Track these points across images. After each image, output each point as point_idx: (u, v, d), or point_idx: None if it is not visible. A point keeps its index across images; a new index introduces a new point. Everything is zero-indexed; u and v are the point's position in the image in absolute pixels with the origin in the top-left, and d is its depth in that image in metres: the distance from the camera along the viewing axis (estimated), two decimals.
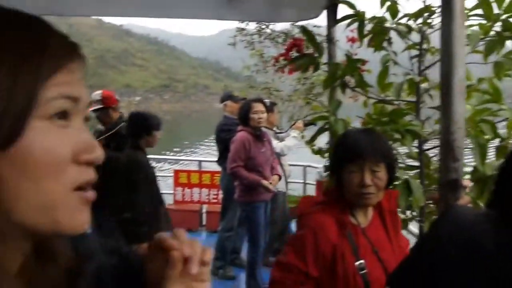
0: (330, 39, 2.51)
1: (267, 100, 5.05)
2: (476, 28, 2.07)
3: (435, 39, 2.45)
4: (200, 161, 7.72)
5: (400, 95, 2.14)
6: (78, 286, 0.62)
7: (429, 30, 2.27)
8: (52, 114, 0.52)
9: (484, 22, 2.05)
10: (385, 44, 2.37)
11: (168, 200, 6.50)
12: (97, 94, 4.08)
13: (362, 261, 1.58)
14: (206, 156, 16.83)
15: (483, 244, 0.97)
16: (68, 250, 0.64)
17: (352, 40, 2.54)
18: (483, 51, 2.14)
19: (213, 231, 6.12)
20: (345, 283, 1.56)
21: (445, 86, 1.47)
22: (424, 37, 2.21)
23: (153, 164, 4.08)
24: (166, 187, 6.75)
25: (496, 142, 2.16)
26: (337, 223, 1.60)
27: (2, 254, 0.54)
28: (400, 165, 2.18)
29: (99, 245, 0.70)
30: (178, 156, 19.83)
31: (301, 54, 2.42)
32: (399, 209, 2.03)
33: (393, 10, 2.19)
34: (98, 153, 0.56)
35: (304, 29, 2.35)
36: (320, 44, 2.33)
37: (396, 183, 1.82)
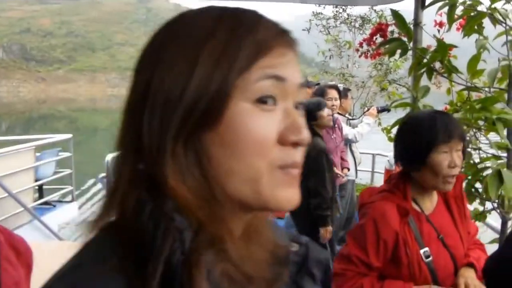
0: (417, 23, 2.46)
1: (341, 86, 4.98)
2: None
3: None
4: None
5: (494, 82, 2.06)
6: (282, 273, 0.65)
7: None
8: (257, 97, 0.55)
9: None
10: (477, 28, 2.28)
11: None
12: None
13: (426, 248, 1.55)
14: None
15: None
16: (273, 235, 0.68)
17: (440, 24, 2.45)
18: None
19: (280, 217, 6.16)
20: (410, 272, 1.53)
21: None
22: None
23: None
24: None
25: None
26: (399, 210, 1.56)
27: (228, 222, 0.58)
28: (489, 154, 2.11)
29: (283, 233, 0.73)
30: None
31: (386, 38, 2.38)
32: (484, 199, 1.97)
33: None
34: (304, 135, 0.57)
35: (395, 13, 2.31)
36: (410, 28, 2.28)
37: (487, 173, 1.77)
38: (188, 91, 0.54)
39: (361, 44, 3.56)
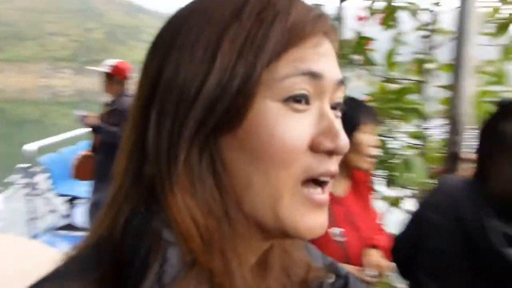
0: (339, 17, 2.52)
1: None
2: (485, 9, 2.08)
3: (444, 20, 2.46)
4: None
5: (407, 74, 2.16)
6: None
7: (438, 10, 2.28)
8: (287, 96, 0.45)
9: (496, 4, 2.06)
10: (393, 22, 2.38)
11: None
12: (113, 61, 4.03)
13: (340, 229, 1.61)
14: None
15: (462, 207, 1.10)
16: (304, 262, 0.59)
17: (362, 19, 2.54)
18: (492, 33, 2.16)
19: None
20: (322, 251, 1.58)
21: (457, 63, 1.49)
22: (434, 18, 2.22)
23: None
24: None
25: None
26: None
27: (240, 248, 0.47)
28: (402, 143, 2.21)
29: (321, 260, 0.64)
30: None
31: None
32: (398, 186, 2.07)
33: None
34: (342, 142, 0.47)
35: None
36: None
37: (397, 160, 1.86)
38: (207, 86, 0.45)
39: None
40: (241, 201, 0.47)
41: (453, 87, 1.52)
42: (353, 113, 1.64)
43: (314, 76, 0.46)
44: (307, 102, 0.46)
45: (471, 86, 1.50)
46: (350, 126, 1.63)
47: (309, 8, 0.48)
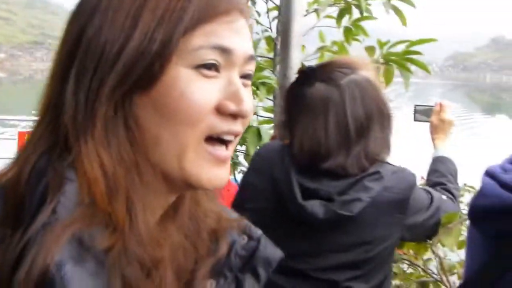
0: None
1: None
2: None
3: None
4: None
5: (256, 50, 2.29)
6: (218, 249, 0.61)
7: None
8: (198, 63, 0.52)
9: None
10: (249, 3, 2.49)
11: None
12: None
13: None
14: None
15: (276, 168, 1.26)
16: (215, 213, 0.64)
17: None
18: (335, 17, 2.37)
19: None
20: None
21: (284, 35, 1.63)
22: None
23: None
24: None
25: None
26: None
27: (148, 197, 0.52)
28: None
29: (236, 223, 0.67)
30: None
31: None
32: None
33: None
34: (245, 106, 0.53)
35: None
36: None
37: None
38: (127, 49, 0.50)
39: None
40: (150, 153, 0.52)
41: (281, 59, 1.66)
42: None
43: (224, 50, 0.53)
44: (217, 70, 0.53)
45: (296, 58, 1.65)
46: None
47: None
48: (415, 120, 1.83)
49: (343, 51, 2.29)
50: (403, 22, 2.16)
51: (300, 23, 1.64)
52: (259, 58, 2.39)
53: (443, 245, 1.42)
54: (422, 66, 2.05)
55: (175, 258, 0.58)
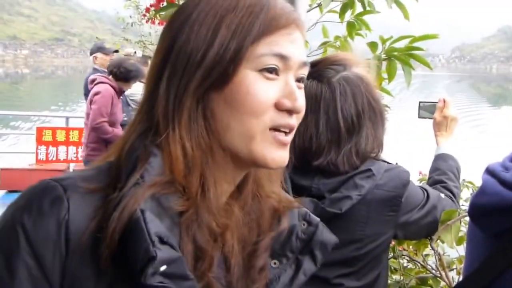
0: None
1: (139, 54, 4.93)
2: None
3: None
4: (67, 118, 7.39)
5: None
6: (279, 225, 0.74)
7: None
8: (262, 67, 0.64)
9: None
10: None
11: (30, 160, 6.40)
12: None
13: None
14: (74, 112, 15.56)
15: None
16: (276, 194, 0.76)
17: None
18: (338, 11, 2.36)
19: None
20: None
21: None
22: None
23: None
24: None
25: None
26: None
27: (218, 174, 0.67)
28: None
29: (297, 211, 0.77)
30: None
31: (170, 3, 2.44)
32: None
33: None
34: (298, 103, 0.66)
35: None
36: None
37: None
38: (208, 55, 0.64)
39: (147, 10, 3.50)
40: (222, 138, 0.65)
41: None
42: None
43: (282, 57, 0.65)
44: (277, 73, 0.66)
45: None
46: None
47: (286, 6, 0.68)
48: (419, 117, 1.82)
49: (345, 46, 2.27)
50: (406, 16, 2.15)
51: (304, 18, 1.63)
52: None
53: (442, 242, 1.43)
54: (424, 62, 2.04)
55: (239, 230, 0.70)
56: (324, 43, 2.48)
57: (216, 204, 0.65)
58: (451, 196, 1.41)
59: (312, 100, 1.23)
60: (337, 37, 2.47)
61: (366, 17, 2.34)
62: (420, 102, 1.83)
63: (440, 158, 1.58)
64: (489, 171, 0.89)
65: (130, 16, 8.45)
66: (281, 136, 0.67)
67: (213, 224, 0.64)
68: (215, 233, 0.65)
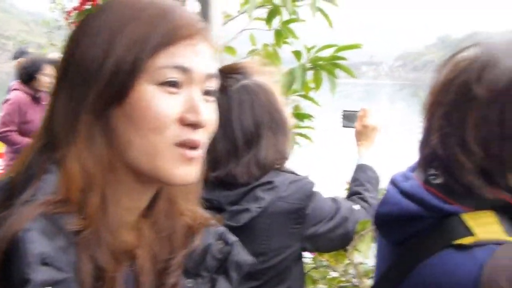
0: None
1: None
2: None
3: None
4: None
5: None
6: (192, 242, 0.71)
7: None
8: (162, 81, 0.61)
9: None
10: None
11: None
12: None
13: None
14: None
15: None
16: (191, 211, 0.74)
17: None
18: (265, 18, 2.35)
19: None
20: None
21: None
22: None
23: None
24: None
25: None
26: None
27: (121, 192, 0.64)
28: None
29: (213, 229, 0.76)
30: None
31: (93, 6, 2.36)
32: None
33: None
34: (202, 117, 0.63)
35: None
36: None
37: None
38: (105, 68, 0.61)
39: (70, 13, 3.41)
40: (124, 155, 0.62)
41: None
42: None
43: (184, 69, 0.62)
44: (178, 87, 0.62)
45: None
46: None
47: (190, 16, 0.65)
48: (343, 126, 1.80)
49: (270, 54, 2.27)
50: (329, 24, 2.16)
51: (218, 31, 1.59)
52: None
53: (359, 252, 1.43)
54: (348, 71, 2.06)
55: (150, 249, 0.68)
56: (252, 51, 2.46)
57: (119, 222, 0.63)
58: (368, 206, 1.41)
59: None
60: (265, 45, 2.47)
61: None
62: (343, 110, 1.82)
63: (359, 169, 1.57)
64: (392, 181, 0.90)
65: (57, 20, 8.17)
66: (187, 151, 0.63)
67: (115, 243, 0.61)
68: (117, 252, 0.62)
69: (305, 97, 2.32)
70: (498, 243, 0.71)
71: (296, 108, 2.39)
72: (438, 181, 0.79)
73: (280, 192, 1.17)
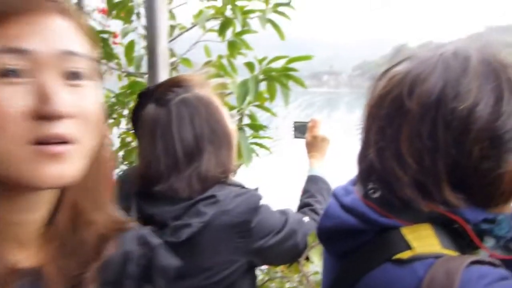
0: (79, 8, 2.46)
1: None
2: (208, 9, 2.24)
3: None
4: None
5: (140, 67, 2.21)
6: (104, 252, 0.63)
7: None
8: None
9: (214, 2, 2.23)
10: (134, 17, 2.41)
11: None
12: None
13: None
14: None
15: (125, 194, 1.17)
16: (102, 219, 0.65)
17: (103, 11, 2.52)
18: (217, 30, 2.35)
19: None
20: None
21: (150, 56, 1.56)
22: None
23: None
24: None
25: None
26: None
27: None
28: None
29: (133, 234, 0.69)
30: None
31: None
32: None
33: None
34: (55, 106, 0.52)
35: None
36: None
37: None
38: None
39: None
40: None
41: (149, 78, 1.61)
42: None
43: (22, 52, 0.50)
44: (20, 75, 0.51)
45: (165, 75, 1.60)
46: None
47: None
48: (294, 137, 1.79)
49: (222, 67, 2.27)
50: (281, 36, 2.17)
51: (165, 44, 1.57)
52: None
53: (311, 262, 1.43)
54: (299, 82, 2.07)
55: (57, 265, 0.60)
56: (207, 63, 2.45)
57: (5, 237, 0.56)
58: (319, 218, 1.40)
59: (149, 124, 1.18)
60: (220, 56, 2.46)
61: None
62: (294, 122, 1.81)
63: (310, 180, 1.57)
64: (334, 195, 0.90)
65: None
66: (48, 148, 0.53)
67: (4, 257, 0.54)
68: (4, 273, 0.54)
69: (261, 107, 2.32)
70: (437, 256, 0.72)
71: (252, 119, 2.39)
72: (377, 195, 0.80)
73: (223, 206, 1.15)
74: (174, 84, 1.23)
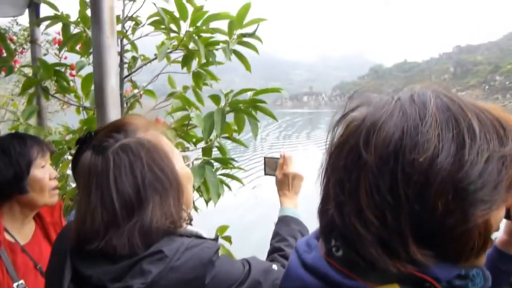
0: (33, 40, 2.32)
1: None
2: (167, 40, 2.12)
3: (144, 47, 2.47)
4: None
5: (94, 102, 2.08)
6: None
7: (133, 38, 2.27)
8: None
9: (176, 34, 2.11)
10: (80, 50, 2.29)
11: None
12: None
13: (21, 281, 1.46)
14: None
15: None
16: None
17: (59, 42, 2.38)
18: (181, 62, 2.23)
19: None
20: None
21: (99, 94, 1.43)
22: (123, 46, 2.20)
23: None
24: None
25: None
26: None
27: None
28: None
29: None
30: None
31: None
32: None
33: (84, 19, 2.10)
34: None
35: None
36: (9, 45, 2.11)
37: None
38: None
39: None
40: None
41: (98, 116, 1.47)
42: (21, 151, 1.53)
43: None
44: None
45: (115, 114, 1.46)
46: (24, 165, 1.53)
47: None
48: (265, 174, 1.62)
49: (185, 98, 2.15)
50: (247, 68, 2.06)
51: (115, 80, 1.43)
52: None
53: None
54: (269, 114, 1.96)
55: None
56: (171, 94, 2.33)
57: None
58: None
59: (85, 175, 1.03)
60: (185, 87, 2.35)
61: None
62: (265, 157, 1.64)
63: (281, 222, 1.42)
64: (296, 250, 0.81)
65: None
66: None
67: None
68: None
69: (230, 139, 2.20)
70: None
71: (222, 151, 2.26)
72: (340, 253, 0.71)
73: (171, 263, 0.98)
74: (115, 129, 1.07)
